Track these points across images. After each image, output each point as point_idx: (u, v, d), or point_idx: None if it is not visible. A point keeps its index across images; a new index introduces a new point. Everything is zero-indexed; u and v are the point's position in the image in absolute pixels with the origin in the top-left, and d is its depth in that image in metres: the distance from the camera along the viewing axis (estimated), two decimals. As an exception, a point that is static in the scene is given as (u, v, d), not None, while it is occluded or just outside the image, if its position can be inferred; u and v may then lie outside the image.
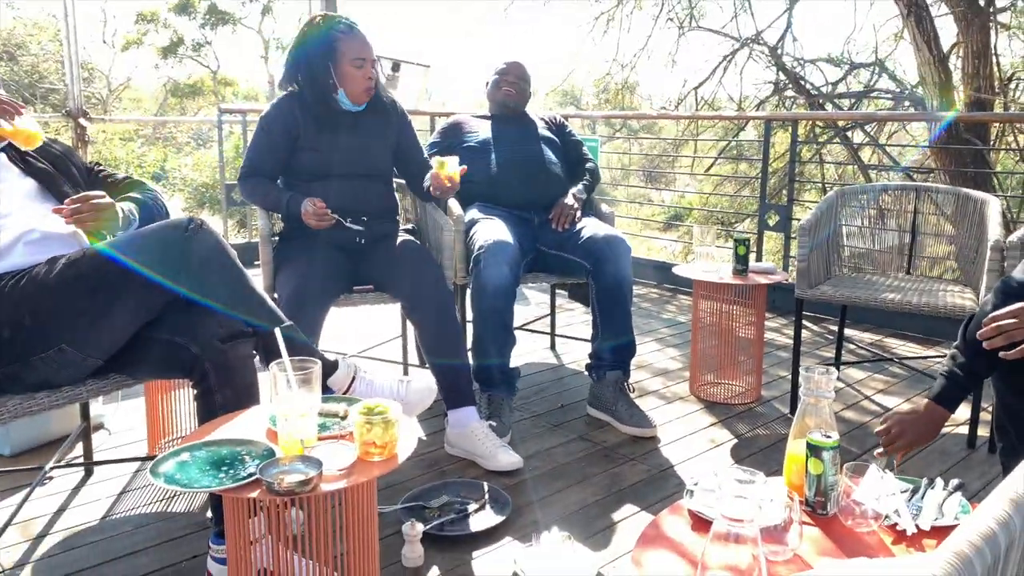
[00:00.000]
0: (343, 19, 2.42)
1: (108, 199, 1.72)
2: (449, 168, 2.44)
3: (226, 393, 1.58)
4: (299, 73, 2.43)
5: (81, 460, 2.24)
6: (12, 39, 19.12)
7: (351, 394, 1.74)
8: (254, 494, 1.21)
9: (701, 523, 1.32)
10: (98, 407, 2.54)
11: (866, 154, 8.62)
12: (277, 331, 1.41)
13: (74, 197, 1.70)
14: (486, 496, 2.09)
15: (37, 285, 1.58)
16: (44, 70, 19.10)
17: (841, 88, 8.74)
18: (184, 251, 1.60)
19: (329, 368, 1.75)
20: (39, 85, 18.74)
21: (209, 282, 1.63)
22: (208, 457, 1.32)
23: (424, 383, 1.83)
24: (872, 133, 8.10)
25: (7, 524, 1.86)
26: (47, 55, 19.00)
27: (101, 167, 1.99)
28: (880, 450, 1.70)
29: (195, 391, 1.62)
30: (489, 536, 1.93)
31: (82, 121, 4.21)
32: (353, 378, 1.77)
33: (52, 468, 2.15)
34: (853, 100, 8.68)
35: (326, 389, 1.71)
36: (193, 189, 14.00)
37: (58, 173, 1.85)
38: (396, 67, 5.29)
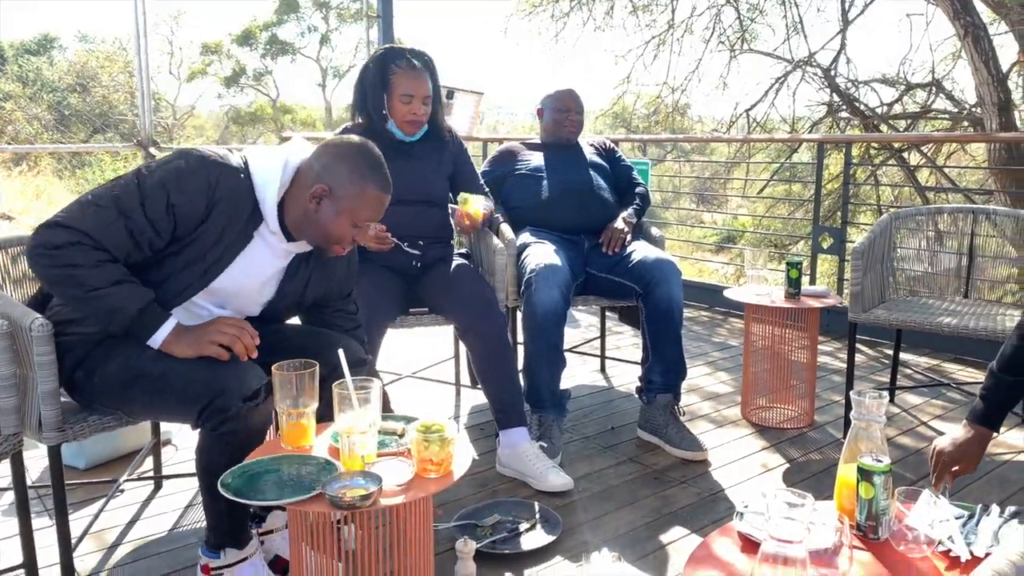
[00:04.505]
0: (408, 52, 2.51)
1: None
2: (472, 206, 2.50)
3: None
4: (359, 102, 2.54)
5: (151, 474, 2.34)
6: (85, 71, 20.05)
7: None
8: (317, 507, 1.27)
9: (751, 545, 1.34)
10: (166, 423, 2.65)
11: (923, 175, 8.45)
12: (340, 352, 1.48)
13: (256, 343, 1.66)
14: (537, 516, 2.13)
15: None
16: (114, 100, 19.97)
17: (897, 109, 8.61)
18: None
19: None
20: (109, 115, 19.59)
21: None
22: (274, 471, 1.39)
23: None
24: (929, 154, 7.94)
25: (84, 534, 1.96)
26: (117, 86, 19.85)
27: (355, 310, 2.02)
28: (932, 485, 1.70)
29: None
30: (539, 555, 1.96)
31: (152, 150, 4.42)
32: None
33: (125, 481, 2.25)
34: (909, 121, 8.53)
35: None
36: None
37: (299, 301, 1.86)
38: (450, 95, 5.42)
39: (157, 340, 1.60)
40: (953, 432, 1.74)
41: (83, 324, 1.66)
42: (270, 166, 1.68)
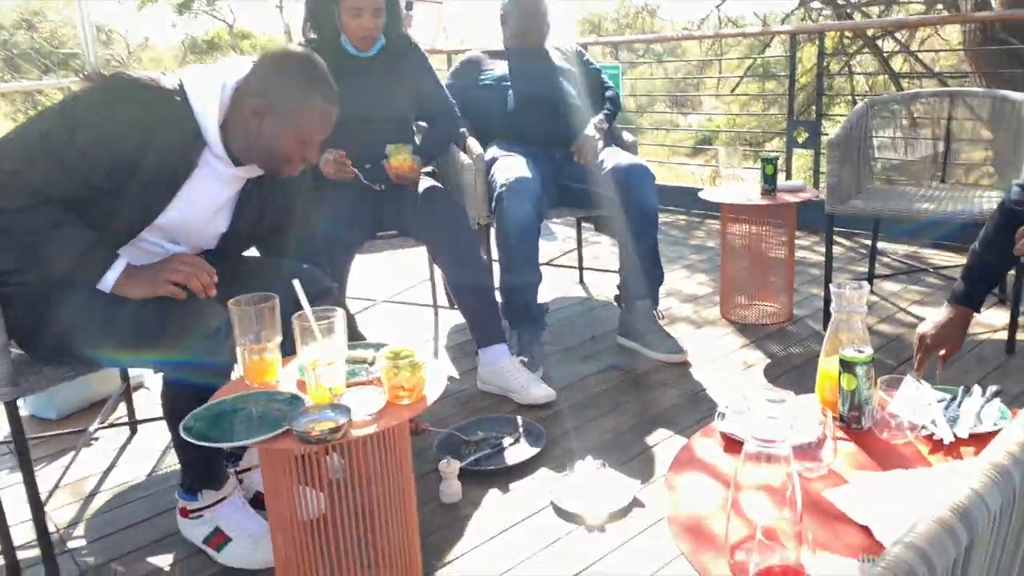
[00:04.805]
0: None
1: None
2: (399, 158, 2.35)
3: None
4: (309, 17, 2.40)
5: (125, 420, 2.30)
6: (28, 6, 19.10)
7: None
8: (286, 444, 1.23)
9: (733, 445, 1.32)
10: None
11: (897, 63, 8.29)
12: (295, 283, 1.41)
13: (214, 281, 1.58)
14: (520, 429, 2.11)
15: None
16: (63, 36, 19.08)
17: (871, -6, 8.36)
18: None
19: None
20: (59, 51, 18.75)
21: None
22: (239, 410, 1.34)
23: None
24: (903, 40, 7.77)
25: (55, 486, 1.92)
26: (65, 21, 18.96)
27: None
28: (915, 370, 1.68)
29: None
30: (525, 468, 1.96)
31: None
32: None
33: (97, 430, 2.21)
34: (883, 7, 8.30)
35: None
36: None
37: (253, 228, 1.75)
38: (409, 6, 5.17)
39: (107, 283, 1.51)
40: (934, 315, 1.71)
41: (25, 273, 1.57)
42: (207, 86, 1.56)
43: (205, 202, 1.63)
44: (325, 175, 2.31)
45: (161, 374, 1.57)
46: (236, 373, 1.63)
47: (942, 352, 1.68)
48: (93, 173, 1.48)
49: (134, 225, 1.56)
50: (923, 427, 1.30)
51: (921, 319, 2.76)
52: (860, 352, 1.33)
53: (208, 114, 1.55)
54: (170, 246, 1.65)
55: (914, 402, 1.31)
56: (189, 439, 1.25)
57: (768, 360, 2.53)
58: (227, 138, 1.58)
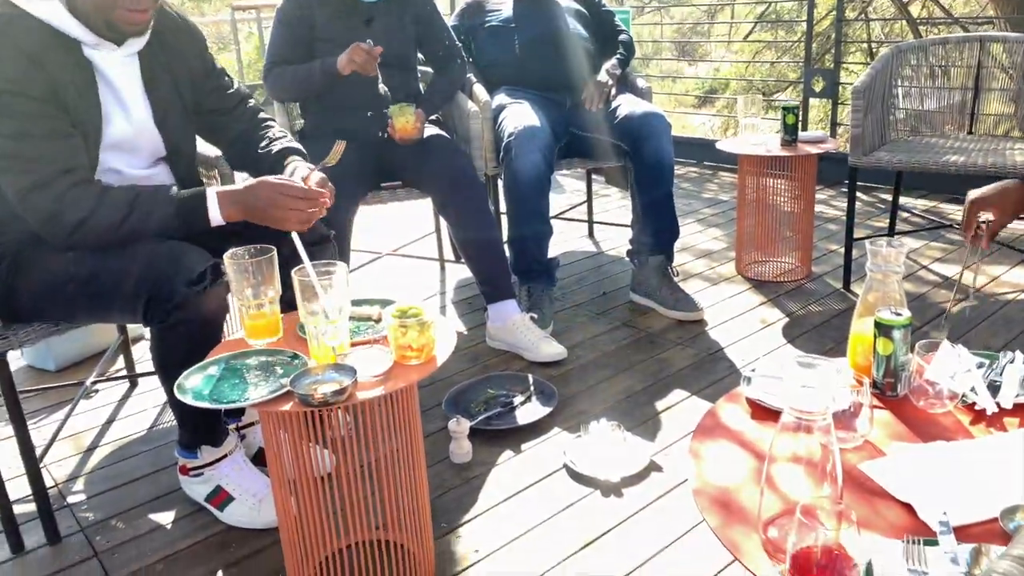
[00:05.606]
0: None
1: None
2: (400, 119, 2.25)
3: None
4: None
5: (124, 372, 2.24)
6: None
7: None
8: (287, 407, 1.16)
9: (761, 411, 1.25)
10: (136, 319, 2.53)
11: (915, 8, 8.03)
12: (294, 234, 1.32)
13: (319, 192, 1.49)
14: (531, 388, 2.05)
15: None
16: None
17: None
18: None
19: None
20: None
21: None
22: (236, 369, 1.27)
23: None
24: (924, -16, 7.51)
25: (53, 439, 1.87)
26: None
27: (230, 84, 1.76)
28: (964, 234, 1.54)
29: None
30: (536, 428, 1.90)
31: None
32: None
33: (95, 383, 2.14)
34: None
35: None
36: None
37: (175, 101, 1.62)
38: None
39: (216, 218, 1.46)
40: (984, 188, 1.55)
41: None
42: None
43: (122, 96, 1.52)
44: (350, 61, 2.16)
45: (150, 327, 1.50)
46: (230, 328, 1.56)
47: (990, 221, 1.51)
48: (64, 118, 1.39)
49: (91, 153, 1.47)
50: (963, 396, 1.23)
51: (945, 277, 2.69)
52: (898, 315, 1.25)
53: (50, 10, 1.41)
54: (130, 171, 1.55)
55: (953, 368, 1.23)
56: (184, 399, 1.18)
57: (786, 319, 2.45)
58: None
